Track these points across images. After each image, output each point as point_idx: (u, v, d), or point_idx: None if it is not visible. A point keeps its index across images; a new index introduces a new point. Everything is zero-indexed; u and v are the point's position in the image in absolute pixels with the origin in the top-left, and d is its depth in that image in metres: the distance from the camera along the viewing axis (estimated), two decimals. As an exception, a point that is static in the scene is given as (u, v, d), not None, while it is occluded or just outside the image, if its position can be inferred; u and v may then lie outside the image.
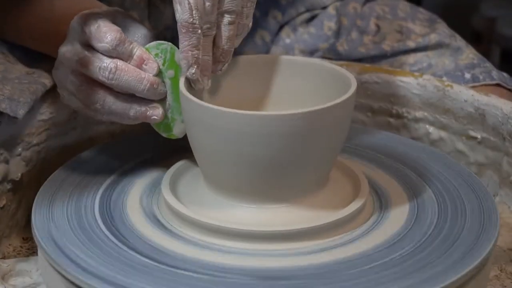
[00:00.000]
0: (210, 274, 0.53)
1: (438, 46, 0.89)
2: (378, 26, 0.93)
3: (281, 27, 0.93)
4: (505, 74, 0.86)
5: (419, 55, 0.89)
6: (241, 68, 0.64)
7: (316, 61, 0.65)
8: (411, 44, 0.89)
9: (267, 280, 0.53)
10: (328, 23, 0.92)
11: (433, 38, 0.90)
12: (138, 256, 0.55)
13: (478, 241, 0.56)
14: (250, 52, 0.90)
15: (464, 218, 0.59)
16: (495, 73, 0.85)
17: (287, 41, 0.92)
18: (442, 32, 0.91)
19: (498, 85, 0.84)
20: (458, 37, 0.92)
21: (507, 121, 0.71)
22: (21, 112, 0.65)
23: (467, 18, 2.29)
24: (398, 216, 0.60)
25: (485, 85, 0.83)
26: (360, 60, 0.87)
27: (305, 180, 0.58)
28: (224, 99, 0.63)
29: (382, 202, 0.62)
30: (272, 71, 0.65)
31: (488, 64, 0.88)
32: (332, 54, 0.89)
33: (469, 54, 0.88)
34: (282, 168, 0.56)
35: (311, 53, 0.91)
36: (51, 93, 0.71)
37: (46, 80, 0.69)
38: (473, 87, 0.81)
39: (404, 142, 0.72)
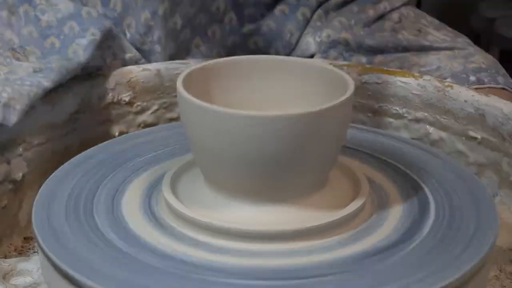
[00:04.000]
0: (209, 274, 0.53)
1: (450, 48, 0.91)
2: (400, 19, 0.95)
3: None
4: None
5: (431, 58, 0.90)
6: (239, 69, 0.64)
7: (315, 62, 0.65)
8: (426, 42, 0.91)
9: (266, 280, 0.53)
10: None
11: (449, 40, 0.91)
12: (138, 256, 0.55)
13: (477, 241, 0.56)
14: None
15: (463, 218, 0.59)
16: (501, 78, 0.86)
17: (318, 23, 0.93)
18: (461, 40, 0.93)
19: (504, 89, 0.85)
20: (475, 46, 0.94)
21: (507, 121, 0.71)
22: (13, 120, 0.65)
23: (466, 18, 2.29)
24: (397, 216, 0.60)
25: (490, 87, 0.84)
26: (376, 49, 0.89)
27: (305, 181, 0.58)
28: (222, 99, 0.63)
29: (381, 202, 0.62)
30: (270, 72, 0.65)
31: (498, 71, 0.89)
32: (350, 34, 0.90)
33: (479, 59, 0.90)
34: (281, 168, 0.56)
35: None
36: (52, 94, 0.72)
37: (47, 83, 0.69)
38: (477, 88, 0.82)
39: (404, 143, 0.72)
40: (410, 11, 1.00)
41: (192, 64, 0.79)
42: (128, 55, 0.81)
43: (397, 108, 0.79)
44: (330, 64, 0.80)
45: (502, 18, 2.07)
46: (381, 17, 0.96)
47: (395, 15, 0.96)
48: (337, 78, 0.61)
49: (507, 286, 0.61)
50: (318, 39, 0.93)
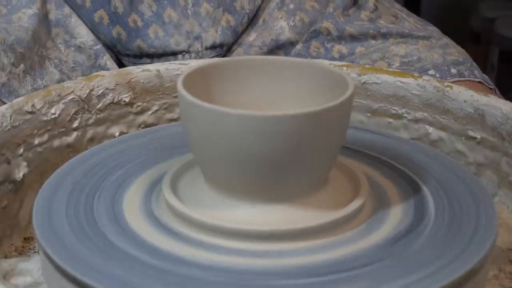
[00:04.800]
0: (208, 274, 0.53)
1: (427, 38, 0.93)
2: (376, 6, 0.96)
3: None
4: (485, 76, 0.91)
5: (410, 48, 0.92)
6: (239, 69, 0.64)
7: (315, 62, 0.65)
8: (405, 29, 0.93)
9: (266, 279, 0.53)
10: (332, 4, 0.95)
11: (424, 29, 0.94)
12: (139, 256, 0.55)
13: (477, 241, 0.56)
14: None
15: (462, 218, 0.59)
16: (477, 72, 0.90)
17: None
18: (432, 28, 0.96)
19: (480, 82, 0.87)
20: (447, 37, 0.97)
21: (506, 121, 0.71)
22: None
23: (466, 18, 2.29)
24: (397, 216, 0.60)
25: (469, 81, 0.87)
26: (355, 37, 0.91)
27: (304, 180, 0.58)
28: (222, 99, 0.63)
29: (381, 202, 0.62)
30: (271, 72, 0.65)
31: (473, 64, 0.92)
32: (331, 22, 0.92)
33: (455, 52, 0.93)
34: (280, 168, 0.56)
35: (311, 24, 0.93)
36: (52, 94, 0.72)
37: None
38: (458, 81, 0.84)
39: (403, 143, 0.73)
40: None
41: (192, 65, 0.79)
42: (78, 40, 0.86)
43: (397, 108, 0.79)
44: (330, 64, 0.80)
45: (502, 18, 2.07)
46: (355, 3, 0.98)
47: (370, 4, 0.97)
48: (337, 78, 0.61)
49: (507, 286, 0.61)
50: (291, 23, 0.94)
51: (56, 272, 0.55)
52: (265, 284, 0.52)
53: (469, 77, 0.89)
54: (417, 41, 0.95)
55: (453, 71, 0.88)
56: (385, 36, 0.95)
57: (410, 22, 0.98)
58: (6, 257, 0.64)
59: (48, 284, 0.58)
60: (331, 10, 0.96)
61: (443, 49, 0.94)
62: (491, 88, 0.90)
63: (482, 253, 0.55)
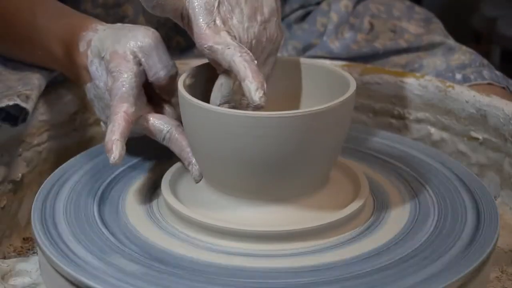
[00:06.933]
0: (209, 274, 0.53)
1: (430, 46, 0.90)
2: (372, 25, 0.94)
3: None
4: (497, 73, 0.87)
5: (411, 56, 0.90)
6: None
7: (316, 62, 0.65)
8: (403, 43, 0.90)
9: (266, 280, 0.52)
10: (321, 19, 0.92)
11: (426, 38, 0.91)
12: (138, 256, 0.55)
13: (478, 242, 0.56)
14: None
15: (464, 219, 0.59)
16: (486, 72, 0.86)
17: None
18: (436, 32, 0.92)
19: (490, 84, 0.85)
20: (451, 38, 0.93)
21: (508, 121, 0.71)
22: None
23: (467, 18, 2.29)
24: (398, 217, 0.60)
25: (477, 84, 0.84)
26: (352, 59, 0.88)
27: (305, 180, 0.58)
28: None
29: (382, 203, 0.62)
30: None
31: (483, 62, 0.88)
32: (325, 52, 0.90)
33: (460, 55, 0.89)
34: (281, 168, 0.56)
35: (304, 49, 0.91)
36: (52, 94, 0.72)
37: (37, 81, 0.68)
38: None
39: (405, 143, 0.72)
40: (380, 6, 0.97)
41: (192, 64, 0.79)
42: None
43: (398, 109, 0.79)
44: (332, 64, 0.80)
45: (504, 17, 2.06)
46: (347, 22, 0.94)
47: (366, 22, 0.94)
48: (339, 78, 0.61)
49: (509, 287, 0.61)
50: (286, 54, 0.92)
51: (55, 272, 0.55)
52: (265, 284, 0.52)
53: (476, 80, 0.86)
54: (418, 50, 0.92)
55: (458, 76, 0.85)
56: (383, 54, 0.92)
57: (410, 31, 0.93)
58: (5, 257, 0.64)
59: (47, 285, 0.58)
60: (324, 38, 0.92)
61: (446, 54, 0.91)
62: (503, 88, 0.87)
63: (483, 255, 0.54)
